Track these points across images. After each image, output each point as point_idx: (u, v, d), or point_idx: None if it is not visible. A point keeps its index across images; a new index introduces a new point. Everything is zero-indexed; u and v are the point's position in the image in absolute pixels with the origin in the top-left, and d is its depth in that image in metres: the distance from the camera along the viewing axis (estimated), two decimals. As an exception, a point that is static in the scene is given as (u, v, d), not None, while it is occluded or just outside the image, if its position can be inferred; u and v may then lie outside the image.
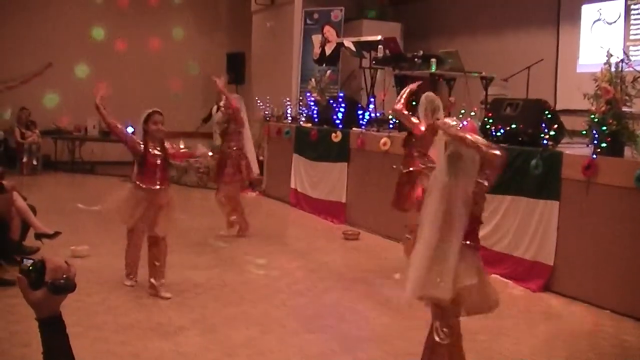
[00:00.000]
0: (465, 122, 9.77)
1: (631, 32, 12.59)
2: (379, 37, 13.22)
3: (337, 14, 16.18)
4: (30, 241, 8.68)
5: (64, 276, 2.33)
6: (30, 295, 2.30)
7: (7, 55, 17.79)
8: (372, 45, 13.26)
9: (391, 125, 11.79)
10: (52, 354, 2.35)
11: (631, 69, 8.24)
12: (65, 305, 6.20)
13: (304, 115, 14.38)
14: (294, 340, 6.40)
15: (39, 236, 8.75)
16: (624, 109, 7.85)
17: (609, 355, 6.50)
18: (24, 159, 16.78)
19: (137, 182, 7.71)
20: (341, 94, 13.24)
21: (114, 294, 7.61)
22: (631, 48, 12.22)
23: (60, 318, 2.37)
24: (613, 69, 7.83)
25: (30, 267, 2.30)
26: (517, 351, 6.44)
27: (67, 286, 2.32)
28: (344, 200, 12.23)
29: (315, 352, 6.17)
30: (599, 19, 13.04)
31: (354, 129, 12.28)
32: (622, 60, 7.90)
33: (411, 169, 8.20)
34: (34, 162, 16.98)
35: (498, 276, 8.76)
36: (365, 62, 13.75)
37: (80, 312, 6.90)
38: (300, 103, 15.11)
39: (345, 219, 12.13)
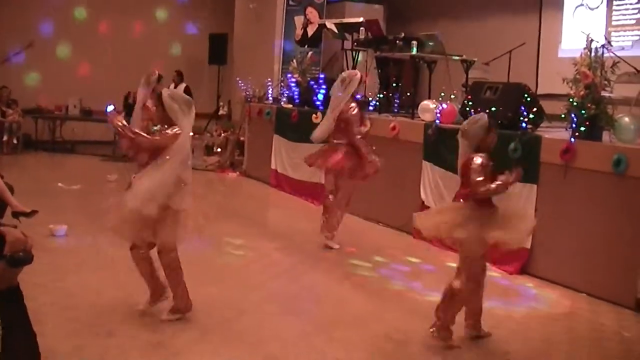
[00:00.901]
0: (444, 105, 9.85)
1: (613, 17, 12.63)
2: (361, 19, 13.22)
3: (320, -5, 16.16)
4: (7, 220, 8.60)
5: (23, 249, 2.31)
6: None
7: (-13, 34, 17.65)
8: (354, 27, 13.26)
9: (371, 108, 11.78)
10: (10, 325, 2.34)
11: (612, 54, 8.26)
12: (43, 285, 6.23)
13: (285, 96, 14.34)
14: (271, 322, 6.40)
15: (16, 214, 8.67)
16: (603, 93, 7.87)
17: (584, 338, 6.53)
18: (4, 138, 16.61)
19: None
20: (322, 76, 13.20)
21: (91, 274, 7.57)
22: (613, 34, 12.27)
23: (19, 290, 2.35)
24: (593, 54, 7.83)
25: None
26: (494, 334, 6.44)
27: (25, 258, 2.31)
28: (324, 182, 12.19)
29: (291, 334, 6.17)
30: (581, 4, 13.07)
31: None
32: (602, 46, 7.91)
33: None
34: (14, 141, 16.83)
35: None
36: (347, 44, 13.74)
37: (57, 292, 6.90)
38: (282, 84, 15.07)
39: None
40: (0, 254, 2.28)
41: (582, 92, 7.80)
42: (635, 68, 9.61)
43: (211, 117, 18.12)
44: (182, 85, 16.40)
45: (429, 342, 6.09)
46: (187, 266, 7.98)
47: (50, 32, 18.30)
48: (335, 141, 9.12)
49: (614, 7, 12.55)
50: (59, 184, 12.64)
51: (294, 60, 14.07)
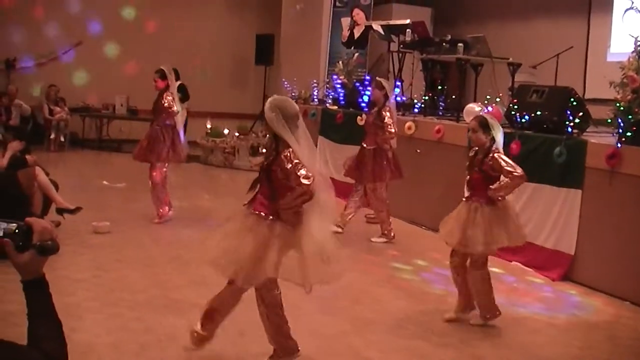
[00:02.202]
0: (490, 108, 9.77)
1: (664, 21, 12.41)
2: (407, 21, 13.14)
3: (367, -4, 16.12)
4: (52, 216, 8.71)
5: (50, 237, 2.35)
6: (16, 257, 2.32)
7: (38, 33, 17.88)
8: (401, 29, 13.19)
9: (416, 110, 11.72)
10: (37, 314, 2.39)
11: (660, 58, 8.13)
12: (84, 280, 6.30)
13: (331, 97, 14.34)
14: (308, 321, 6.37)
15: (60, 211, 8.80)
16: (651, 98, 7.75)
17: (626, 346, 6.44)
18: (52, 136, 16.86)
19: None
20: (368, 77, 13.17)
21: (132, 271, 7.63)
22: (663, 38, 12.06)
23: (44, 279, 2.40)
24: (641, 58, 7.72)
25: (16, 230, 2.31)
26: (534, 340, 6.40)
27: (53, 247, 2.36)
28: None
29: (328, 333, 6.16)
30: (631, 7, 12.85)
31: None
32: (651, 50, 7.79)
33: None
34: (61, 139, 17.07)
35: (519, 264, 8.73)
36: (394, 46, 13.69)
37: (97, 288, 6.96)
38: (327, 85, 15.07)
39: (369, 202, 12.05)
40: (28, 244, 2.32)
41: (629, 97, 7.68)
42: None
43: (257, 117, 18.17)
44: (177, 84, 16.29)
45: (464, 344, 6.06)
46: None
47: (98, 31, 18.52)
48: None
49: (665, 11, 12.36)
50: (104, 182, 12.78)
51: (340, 62, 14.07)
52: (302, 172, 4.75)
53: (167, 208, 9.99)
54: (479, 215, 6.31)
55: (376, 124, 9.56)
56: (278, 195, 4.92)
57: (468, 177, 6.60)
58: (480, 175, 6.39)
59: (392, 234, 9.79)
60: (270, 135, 5.05)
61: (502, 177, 6.32)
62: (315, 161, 4.91)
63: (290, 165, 4.78)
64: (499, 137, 6.41)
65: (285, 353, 5.27)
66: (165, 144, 9.86)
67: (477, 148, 6.52)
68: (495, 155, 6.29)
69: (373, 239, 9.66)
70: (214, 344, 5.45)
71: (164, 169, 10.00)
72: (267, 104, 4.96)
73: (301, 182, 4.74)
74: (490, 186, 6.33)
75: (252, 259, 4.89)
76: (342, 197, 12.64)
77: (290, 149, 4.83)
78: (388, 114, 9.47)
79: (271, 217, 4.94)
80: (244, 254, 4.89)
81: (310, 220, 4.90)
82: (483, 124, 6.40)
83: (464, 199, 6.63)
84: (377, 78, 10.11)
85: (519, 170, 6.21)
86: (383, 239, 9.75)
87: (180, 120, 10.27)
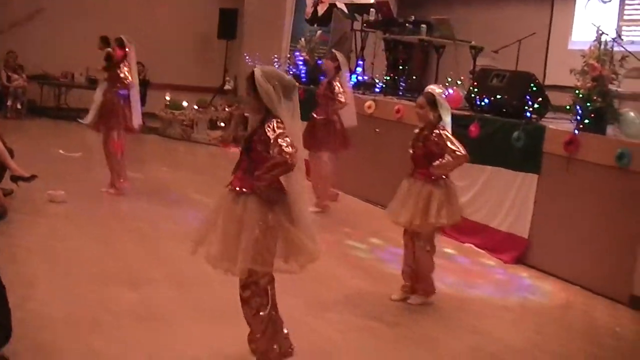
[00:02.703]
0: (450, 90, 9.80)
1: (625, 12, 12.52)
2: (371, 0, 13.14)
3: (332, -26, 16.02)
4: (6, 183, 8.59)
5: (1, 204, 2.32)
6: None
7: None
8: (365, 8, 13.20)
9: (377, 89, 11.72)
10: None
11: (621, 48, 8.21)
12: (38, 250, 6.22)
13: (292, 74, 14.26)
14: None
15: (15, 179, 8.66)
16: (611, 87, 7.82)
17: (577, 331, 6.52)
18: (9, 103, 16.61)
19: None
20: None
21: (87, 242, 7.55)
22: (624, 28, 12.16)
23: None
24: (602, 47, 7.78)
25: None
26: (486, 322, 6.47)
27: (2, 214, 2.32)
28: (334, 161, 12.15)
29: (286, 313, 6.12)
30: (594, -3, 12.96)
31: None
32: (613, 39, 7.85)
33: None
34: (19, 106, 16.80)
35: (473, 246, 8.82)
36: (357, 25, 13.66)
37: (52, 258, 6.89)
38: (289, 62, 15.00)
39: (329, 180, 12.05)
40: None
41: (589, 85, 7.75)
42: (644, 63, 9.56)
43: (217, 91, 18.07)
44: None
45: (419, 325, 6.11)
46: (183, 240, 8.00)
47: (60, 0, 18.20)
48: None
49: (627, 2, 12.44)
50: (60, 151, 12.63)
51: (303, 39, 14.01)
52: (287, 140, 4.36)
53: (121, 180, 9.91)
54: (424, 193, 6.36)
55: (327, 94, 9.67)
56: (255, 167, 4.52)
57: (412, 152, 6.60)
58: (423, 152, 6.43)
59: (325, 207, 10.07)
60: (257, 109, 4.63)
61: (445, 156, 6.33)
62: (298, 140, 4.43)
63: (274, 134, 4.39)
64: (446, 116, 6.45)
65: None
66: (119, 113, 9.76)
67: (422, 125, 6.56)
68: (441, 131, 6.34)
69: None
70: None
71: (121, 140, 9.89)
72: (258, 76, 4.49)
73: (283, 151, 4.33)
74: (433, 163, 6.35)
75: (228, 242, 4.57)
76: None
77: (275, 119, 4.46)
78: (338, 84, 9.62)
79: (245, 190, 4.55)
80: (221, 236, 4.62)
81: (296, 200, 4.55)
82: (431, 101, 6.44)
83: (407, 176, 6.65)
84: (334, 50, 10.19)
85: (462, 150, 6.27)
86: (316, 209, 9.77)
87: (135, 91, 10.07)
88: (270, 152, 4.42)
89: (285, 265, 4.67)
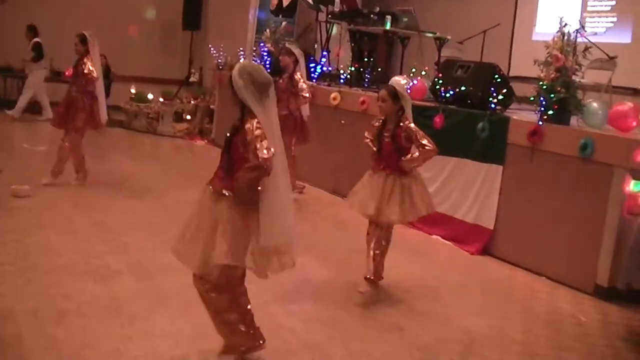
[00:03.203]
0: (415, 81, 9.82)
1: (589, 3, 12.65)
2: (337, -8, 13.14)
3: (297, -36, 16.00)
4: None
5: None
6: None
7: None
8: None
9: (342, 80, 11.72)
10: None
11: (585, 39, 8.28)
12: (2, 244, 6.14)
13: (257, 65, 14.22)
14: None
15: (-21, 173, 8.59)
16: (574, 78, 7.89)
17: (541, 320, 6.57)
18: (-30, 96, 16.42)
19: None
20: (296, 46, 13.11)
21: (52, 236, 7.49)
22: (587, 19, 12.29)
23: None
24: (566, 38, 7.83)
25: None
26: (451, 311, 6.51)
27: None
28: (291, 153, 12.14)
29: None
30: (557, -12, 13.06)
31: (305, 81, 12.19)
32: (576, 30, 7.91)
33: None
34: (-20, 99, 16.62)
35: (439, 237, 8.87)
36: (322, 16, 13.65)
37: (16, 252, 6.82)
38: (254, 53, 14.95)
39: (292, 172, 12.04)
40: None
41: (552, 75, 7.81)
42: (607, 54, 9.65)
43: (182, 83, 17.97)
44: (34, 41, 15.78)
45: (385, 315, 6.13)
46: (148, 232, 7.96)
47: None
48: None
49: (590, -7, 12.59)
50: (24, 145, 12.50)
51: (268, 30, 13.96)
52: (264, 143, 4.28)
53: (82, 174, 9.82)
54: (397, 187, 6.38)
55: (289, 89, 9.65)
56: (235, 168, 4.49)
57: (376, 148, 6.60)
58: (391, 147, 6.44)
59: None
60: (238, 104, 4.55)
61: (413, 149, 6.37)
62: (278, 137, 4.31)
63: (251, 136, 4.32)
64: (408, 108, 6.46)
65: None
66: (84, 111, 9.63)
67: (382, 118, 6.57)
68: (410, 125, 6.36)
69: None
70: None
71: (80, 137, 9.77)
72: (235, 70, 4.48)
73: (258, 156, 4.26)
74: (403, 157, 6.38)
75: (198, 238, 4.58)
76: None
77: (256, 120, 4.39)
78: (300, 78, 9.78)
79: (224, 191, 4.52)
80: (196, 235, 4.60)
81: (270, 204, 4.50)
82: (392, 94, 6.44)
83: (371, 170, 6.70)
84: (287, 45, 10.19)
85: (431, 144, 6.30)
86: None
87: (101, 86, 9.93)
88: (249, 155, 4.37)
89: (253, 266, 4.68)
